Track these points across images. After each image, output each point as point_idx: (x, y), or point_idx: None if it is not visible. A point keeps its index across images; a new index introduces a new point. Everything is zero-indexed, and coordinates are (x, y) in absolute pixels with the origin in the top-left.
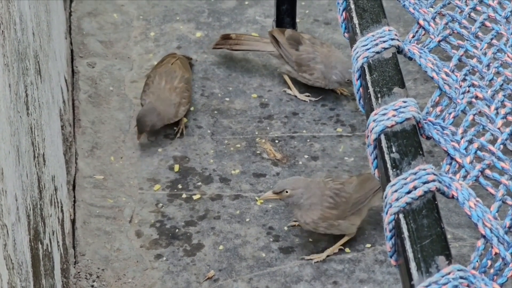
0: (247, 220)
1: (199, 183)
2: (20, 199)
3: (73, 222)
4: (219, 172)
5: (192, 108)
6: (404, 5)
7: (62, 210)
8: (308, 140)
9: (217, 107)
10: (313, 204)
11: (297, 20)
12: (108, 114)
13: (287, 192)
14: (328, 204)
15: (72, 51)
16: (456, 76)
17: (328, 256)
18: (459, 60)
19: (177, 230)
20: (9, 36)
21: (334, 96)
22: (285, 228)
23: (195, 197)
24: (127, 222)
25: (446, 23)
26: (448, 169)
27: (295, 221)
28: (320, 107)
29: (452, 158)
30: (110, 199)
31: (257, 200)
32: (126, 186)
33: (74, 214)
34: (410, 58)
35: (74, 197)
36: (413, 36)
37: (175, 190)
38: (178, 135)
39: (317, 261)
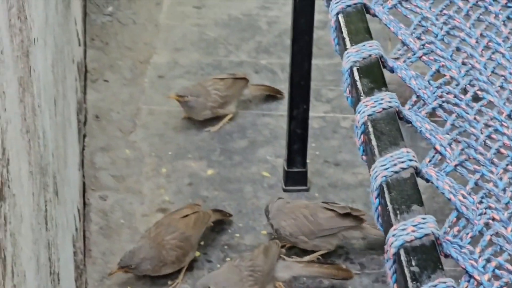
0: None
1: None
2: None
3: None
4: None
5: (202, 243)
6: (420, 131)
7: None
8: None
9: (227, 242)
10: None
11: (308, 160)
12: (119, 246)
13: None
14: (250, 283)
15: (84, 183)
16: (473, 198)
17: None
18: (476, 184)
19: None
20: (34, 146)
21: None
22: None
23: None
24: None
25: (462, 149)
26: (467, 286)
27: None
28: None
29: (470, 276)
30: None
31: None
32: None
33: None
34: (428, 180)
35: None
36: (430, 161)
37: None
38: None
39: None
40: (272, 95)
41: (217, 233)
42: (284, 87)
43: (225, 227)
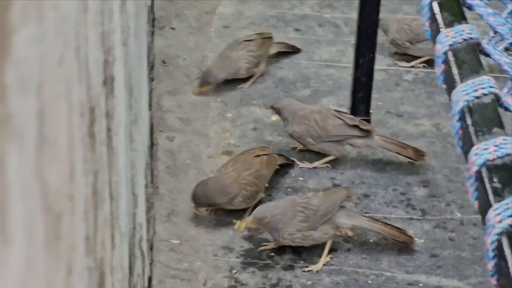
0: None
1: (272, 254)
2: (126, 217)
3: (149, 279)
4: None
5: (267, 184)
6: (499, 63)
7: (144, 261)
8: None
9: (291, 185)
10: (287, 222)
11: (370, 111)
12: (186, 185)
13: (266, 219)
14: (300, 218)
15: (152, 124)
16: None
17: (324, 265)
18: None
19: None
20: (127, 61)
21: (405, 182)
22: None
23: (268, 266)
24: (202, 285)
25: None
26: None
27: (265, 245)
28: (391, 191)
29: None
30: (185, 263)
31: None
32: (201, 252)
33: (151, 272)
34: (506, 108)
35: (152, 256)
36: (508, 91)
37: (249, 259)
38: (236, 226)
39: (318, 271)
40: (290, 52)
41: (281, 176)
42: (347, 39)
43: (289, 171)
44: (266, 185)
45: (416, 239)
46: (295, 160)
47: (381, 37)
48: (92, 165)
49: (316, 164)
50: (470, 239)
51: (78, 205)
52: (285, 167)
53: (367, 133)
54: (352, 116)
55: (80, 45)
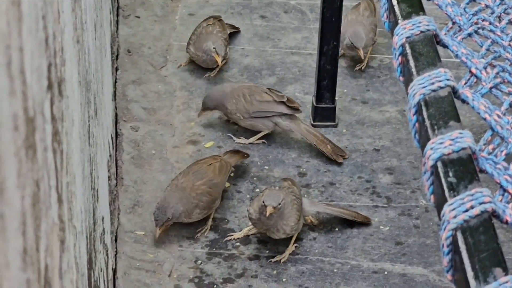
0: (284, 280)
1: (238, 243)
2: (83, 214)
3: (114, 271)
4: (257, 234)
5: (232, 174)
6: (457, 55)
7: (107, 254)
8: None
9: (257, 174)
10: (289, 210)
11: (336, 98)
12: (150, 176)
13: (279, 204)
14: (296, 206)
15: (116, 114)
16: (508, 118)
17: (289, 254)
18: (510, 105)
19: (215, 286)
20: (82, 58)
21: (370, 169)
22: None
23: (233, 256)
24: (166, 276)
25: (497, 73)
26: (501, 200)
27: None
28: (356, 178)
29: (504, 190)
30: (150, 254)
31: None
32: (166, 243)
33: (116, 264)
34: (463, 101)
35: (116, 248)
36: (465, 83)
37: (214, 249)
38: (199, 235)
39: (284, 261)
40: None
41: (246, 166)
42: (313, 27)
43: (254, 160)
44: (232, 174)
45: (381, 227)
46: (232, 137)
47: None
48: (30, 176)
49: (251, 140)
50: (435, 226)
51: (9, 222)
52: (251, 157)
53: (294, 111)
54: (281, 94)
55: (12, 59)
